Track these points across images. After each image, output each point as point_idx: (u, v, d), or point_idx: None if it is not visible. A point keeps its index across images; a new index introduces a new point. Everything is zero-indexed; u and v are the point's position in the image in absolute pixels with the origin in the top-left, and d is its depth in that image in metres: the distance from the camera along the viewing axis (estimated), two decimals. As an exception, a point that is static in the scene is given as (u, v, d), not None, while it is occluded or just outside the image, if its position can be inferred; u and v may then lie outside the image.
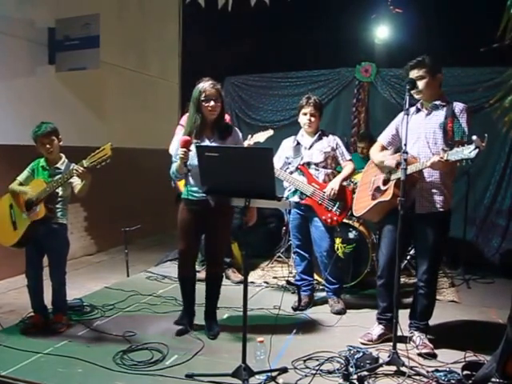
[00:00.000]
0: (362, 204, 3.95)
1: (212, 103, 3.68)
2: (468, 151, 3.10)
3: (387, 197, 3.61)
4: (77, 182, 3.91)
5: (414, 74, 3.60)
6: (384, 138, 3.94)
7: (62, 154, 4.06)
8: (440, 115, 3.59)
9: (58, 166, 3.99)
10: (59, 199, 3.95)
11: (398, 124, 3.82)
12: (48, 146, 3.90)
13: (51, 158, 3.98)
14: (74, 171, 3.68)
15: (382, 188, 3.74)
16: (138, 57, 7.85)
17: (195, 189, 3.79)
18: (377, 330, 3.85)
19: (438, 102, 3.62)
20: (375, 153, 3.96)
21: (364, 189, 4.00)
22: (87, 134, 6.37)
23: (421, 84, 3.57)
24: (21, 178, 4.02)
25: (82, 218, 6.77)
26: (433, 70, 3.58)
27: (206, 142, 3.77)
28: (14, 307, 4.47)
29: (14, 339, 3.74)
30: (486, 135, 3.09)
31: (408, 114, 3.43)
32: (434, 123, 3.60)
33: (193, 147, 3.60)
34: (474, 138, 3.11)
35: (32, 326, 3.94)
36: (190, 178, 3.76)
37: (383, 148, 3.93)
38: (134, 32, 7.63)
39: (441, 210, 3.59)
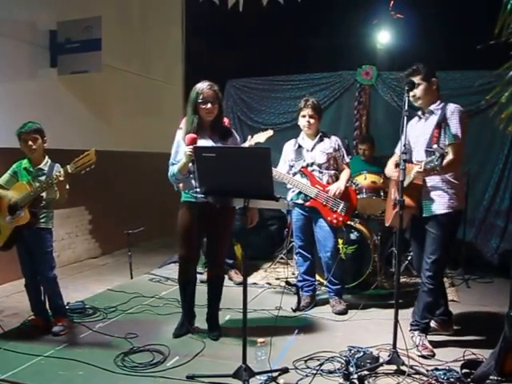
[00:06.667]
0: (388, 214, 3.99)
1: (209, 105, 3.68)
2: (435, 159, 3.19)
3: None
4: None
5: None
6: (399, 148, 3.88)
7: (45, 155, 4.00)
8: (434, 120, 3.61)
9: (41, 167, 3.94)
10: (43, 203, 3.88)
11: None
12: (31, 143, 3.83)
13: (34, 158, 3.92)
14: (55, 177, 3.64)
15: None
16: (141, 60, 7.87)
17: (198, 190, 3.77)
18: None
19: (433, 107, 3.65)
20: (388, 166, 4.03)
21: (390, 199, 4.01)
22: (90, 138, 6.34)
23: (418, 91, 3.62)
24: (2, 180, 3.97)
25: (87, 221, 6.80)
26: (428, 76, 3.63)
27: (210, 143, 3.75)
28: (16, 310, 4.48)
29: (14, 342, 3.74)
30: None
31: (407, 116, 3.42)
32: (428, 128, 3.63)
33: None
34: (435, 147, 3.26)
35: (33, 329, 3.96)
36: (193, 180, 3.65)
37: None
38: (136, 35, 7.65)
39: (446, 211, 3.56)
